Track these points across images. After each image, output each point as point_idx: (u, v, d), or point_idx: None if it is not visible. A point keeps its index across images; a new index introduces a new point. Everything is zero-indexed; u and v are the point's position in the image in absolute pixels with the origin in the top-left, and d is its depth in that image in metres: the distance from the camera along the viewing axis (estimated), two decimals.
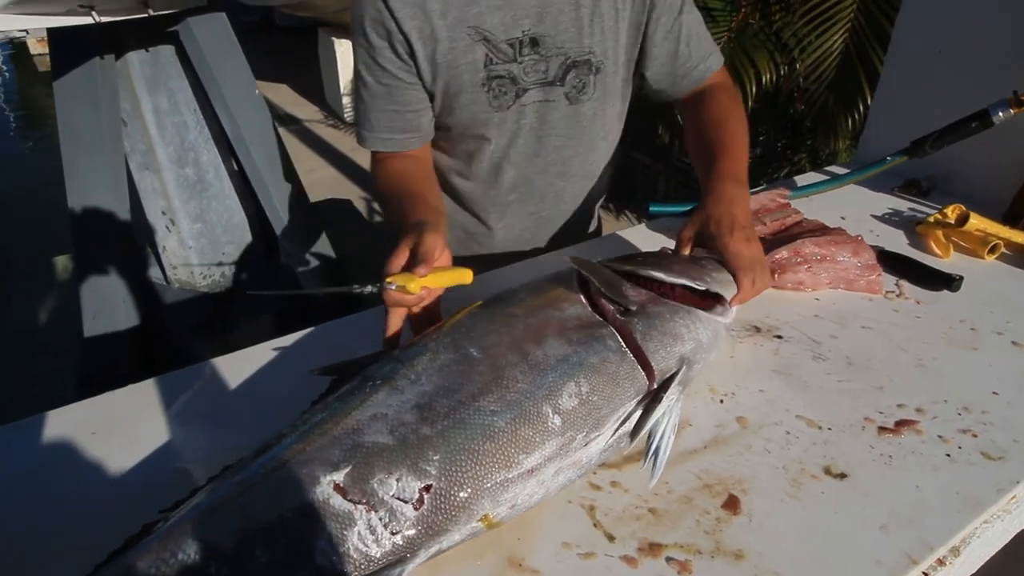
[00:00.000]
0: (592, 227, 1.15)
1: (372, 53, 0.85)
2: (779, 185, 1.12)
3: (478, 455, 0.51)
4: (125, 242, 1.87)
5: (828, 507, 0.57)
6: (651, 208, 1.09)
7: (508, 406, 0.54)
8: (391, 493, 0.49)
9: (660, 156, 2.95)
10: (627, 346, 0.60)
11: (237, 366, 0.75)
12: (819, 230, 0.95)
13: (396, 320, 0.67)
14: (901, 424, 0.66)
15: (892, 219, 1.07)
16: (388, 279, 0.62)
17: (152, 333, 1.81)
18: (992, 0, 1.02)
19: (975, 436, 0.65)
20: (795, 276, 0.86)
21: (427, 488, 0.50)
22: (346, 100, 4.74)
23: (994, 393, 0.70)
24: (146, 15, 1.62)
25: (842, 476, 0.60)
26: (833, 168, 1.25)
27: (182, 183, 1.95)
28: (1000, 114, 0.96)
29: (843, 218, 1.06)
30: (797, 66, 2.09)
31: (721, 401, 0.69)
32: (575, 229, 1.09)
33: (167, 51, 1.84)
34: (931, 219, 1.00)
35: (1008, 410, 0.68)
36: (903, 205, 1.11)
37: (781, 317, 0.82)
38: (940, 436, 0.65)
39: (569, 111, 0.92)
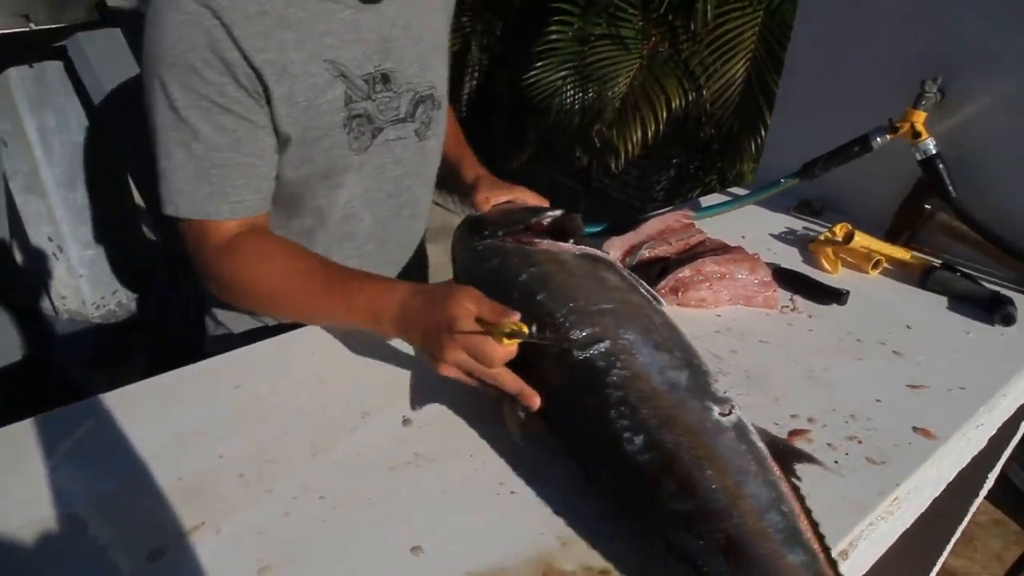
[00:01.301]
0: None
1: (207, 92, 0.69)
2: (684, 206, 1.16)
3: None
4: (4, 270, 1.73)
5: None
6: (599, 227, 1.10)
7: None
8: None
9: (580, 178, 3.02)
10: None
11: (132, 401, 0.70)
12: (720, 249, 1.00)
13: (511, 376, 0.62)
14: (793, 434, 0.69)
15: (788, 237, 1.13)
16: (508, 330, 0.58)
17: (39, 368, 1.68)
18: (872, 32, 1.10)
19: (860, 443, 0.68)
20: (697, 294, 0.90)
21: None
22: None
23: (877, 400, 0.74)
24: (27, 29, 1.52)
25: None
26: (735, 189, 1.31)
27: (71, 207, 1.82)
28: (878, 139, 1.04)
29: (743, 237, 1.12)
30: (704, 92, 2.20)
31: None
32: (424, 271, 1.09)
33: (54, 67, 1.73)
34: (822, 237, 1.06)
35: (890, 416, 0.72)
36: (798, 224, 1.18)
37: (686, 334, 0.84)
38: (829, 444, 0.68)
39: (418, 148, 0.89)
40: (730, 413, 0.59)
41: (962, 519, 1.23)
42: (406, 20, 0.82)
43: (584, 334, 0.63)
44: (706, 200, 1.26)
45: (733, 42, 2.10)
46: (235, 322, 0.96)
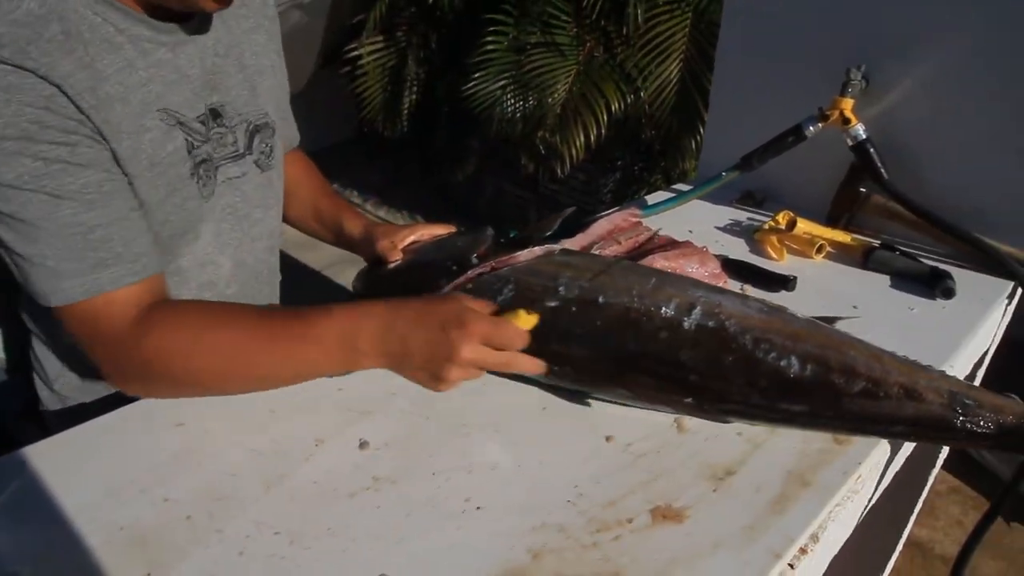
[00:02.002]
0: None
1: (55, 155, 0.58)
2: (631, 205, 1.17)
3: None
4: None
5: (706, 511, 0.58)
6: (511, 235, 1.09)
7: None
8: None
9: (527, 186, 3.02)
10: None
11: (66, 449, 0.65)
12: (669, 244, 1.00)
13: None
14: None
15: (733, 229, 1.15)
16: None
17: None
18: (796, 23, 1.14)
19: None
20: None
21: None
22: None
23: None
24: None
25: (729, 473, 0.63)
26: (679, 186, 1.32)
27: None
28: (811, 128, 1.06)
29: (691, 231, 1.13)
30: (642, 94, 2.24)
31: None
32: (283, 300, 1.01)
33: None
34: (766, 226, 1.08)
35: None
36: (742, 215, 1.20)
37: None
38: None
39: (263, 179, 0.83)
40: (795, 314, 0.70)
41: (922, 490, 1.26)
42: (225, 46, 0.75)
43: (674, 308, 0.67)
44: (652, 198, 1.27)
45: (665, 44, 2.15)
46: (75, 393, 0.84)
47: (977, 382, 1.12)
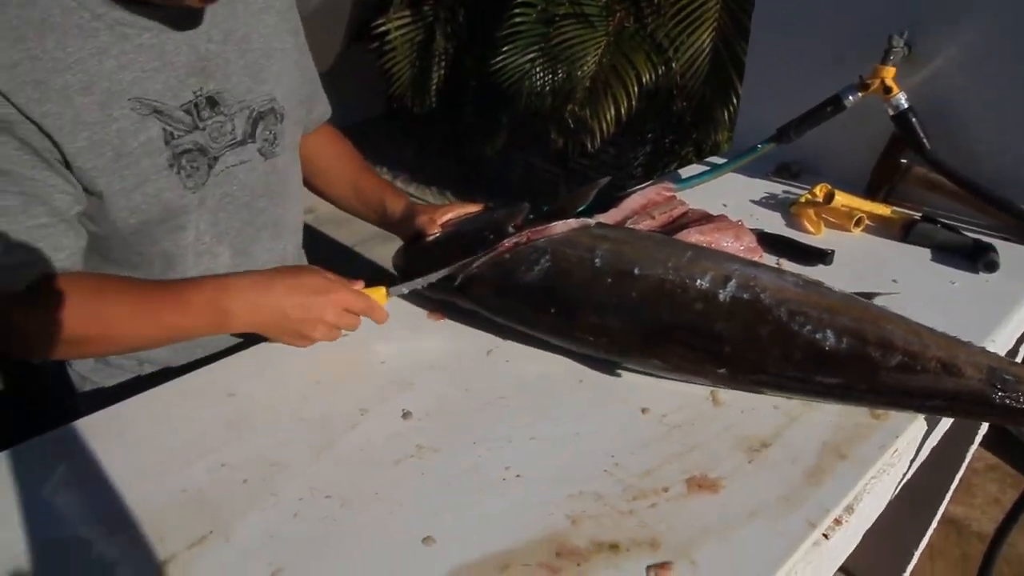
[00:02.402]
0: None
1: None
2: (664, 179, 1.16)
3: None
4: None
5: (741, 482, 0.60)
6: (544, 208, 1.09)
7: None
8: None
9: (557, 161, 3.01)
10: None
11: (125, 418, 0.68)
12: (704, 219, 0.99)
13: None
14: None
15: (769, 202, 1.13)
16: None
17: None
18: None
19: None
20: None
21: None
22: None
23: None
24: None
25: (764, 445, 0.64)
26: (713, 159, 1.31)
27: None
28: (850, 98, 1.04)
29: (725, 205, 1.12)
30: (673, 65, 2.19)
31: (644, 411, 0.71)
32: None
33: None
34: (802, 199, 1.06)
35: None
36: (778, 188, 1.18)
37: None
38: None
39: (267, 167, 0.81)
40: (832, 288, 0.70)
41: (959, 467, 1.25)
42: (224, 32, 0.73)
43: (709, 281, 0.68)
44: (685, 172, 1.26)
45: (697, 12, 2.10)
46: (101, 376, 0.86)
47: (1020, 357, 1.11)
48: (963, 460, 1.22)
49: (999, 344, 0.82)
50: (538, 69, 2.32)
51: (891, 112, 1.02)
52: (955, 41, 0.99)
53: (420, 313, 0.85)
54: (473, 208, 0.89)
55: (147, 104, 0.67)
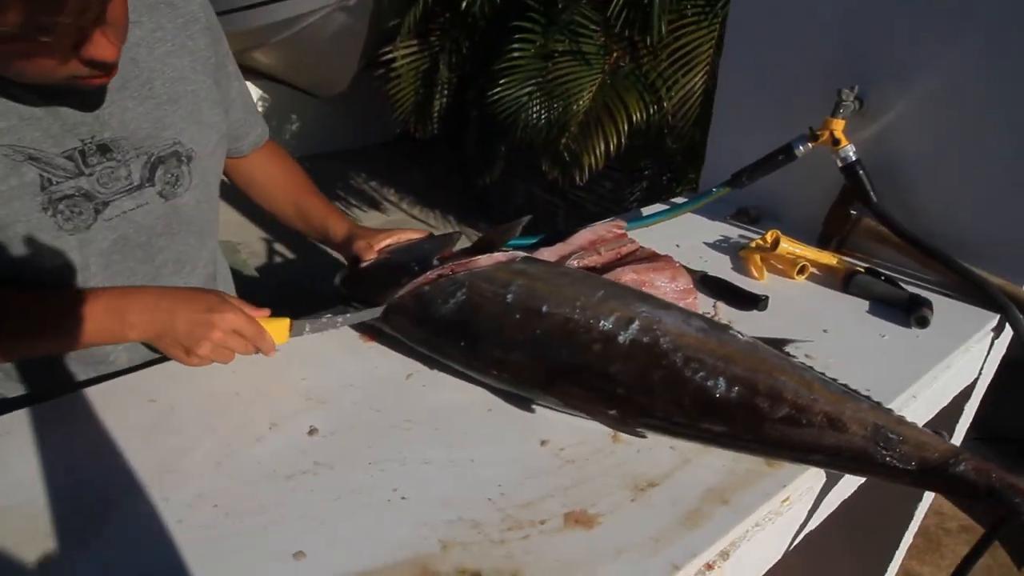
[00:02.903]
0: None
1: None
2: (618, 217, 1.18)
3: None
4: None
5: (618, 519, 0.60)
6: (511, 243, 1.11)
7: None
8: None
9: (556, 192, 3.05)
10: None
11: (49, 417, 0.71)
12: (649, 258, 1.01)
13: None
14: None
15: (721, 245, 1.15)
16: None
17: None
18: (793, 43, 1.13)
19: None
20: None
21: None
22: None
23: None
24: None
25: (651, 485, 0.64)
26: (677, 199, 1.33)
27: None
28: (801, 148, 1.06)
29: (678, 246, 1.13)
30: (665, 105, 2.23)
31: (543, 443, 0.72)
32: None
33: None
34: (753, 244, 1.08)
35: None
36: (734, 232, 1.20)
37: None
38: None
39: (168, 208, 0.81)
40: (741, 333, 0.72)
41: (908, 523, 1.23)
42: (122, 80, 0.73)
43: (612, 322, 0.69)
44: (647, 210, 1.28)
45: (692, 54, 2.14)
46: (4, 386, 0.85)
47: (967, 414, 1.10)
48: (912, 516, 1.20)
49: (920, 401, 0.82)
50: (535, 103, 2.37)
51: (839, 164, 1.03)
52: (905, 97, 1.01)
53: (353, 335, 0.87)
54: (413, 235, 0.91)
55: (21, 151, 0.68)
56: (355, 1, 3.29)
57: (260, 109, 4.64)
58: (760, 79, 1.20)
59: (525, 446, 0.69)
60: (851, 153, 1.02)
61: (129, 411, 0.73)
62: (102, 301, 0.71)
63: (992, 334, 0.96)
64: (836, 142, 1.02)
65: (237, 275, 2.21)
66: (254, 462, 0.67)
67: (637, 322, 0.69)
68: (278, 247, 3.38)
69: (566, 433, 0.71)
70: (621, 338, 0.68)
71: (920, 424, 0.88)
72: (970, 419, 1.11)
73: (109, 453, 0.67)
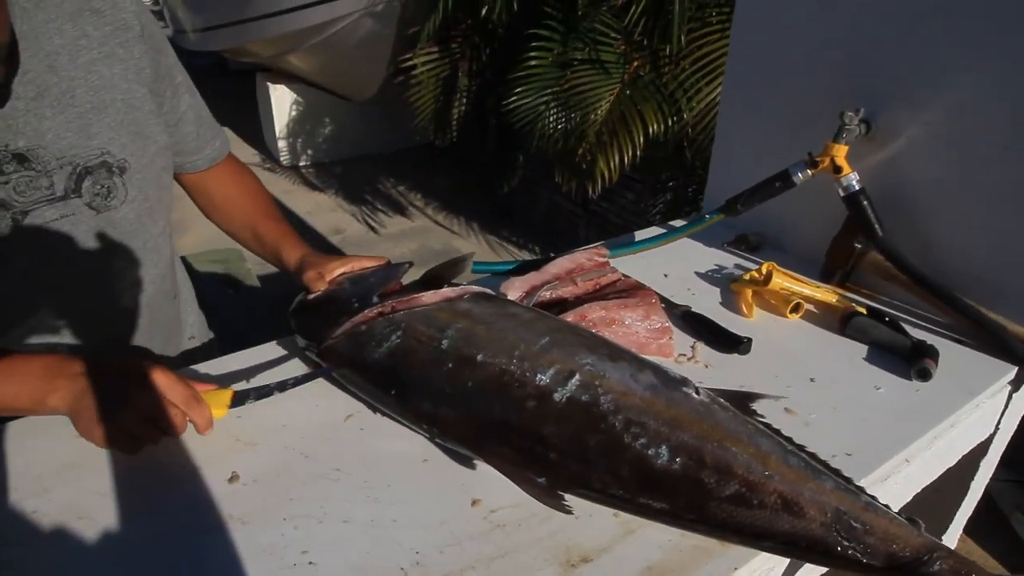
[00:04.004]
0: (192, 328, 1.02)
1: None
2: (601, 244, 1.12)
3: None
4: None
5: None
6: (474, 267, 1.07)
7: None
8: None
9: (579, 202, 2.98)
10: None
11: None
12: (630, 290, 0.95)
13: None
14: None
15: (714, 276, 1.07)
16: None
17: None
18: (796, 64, 1.04)
19: None
20: None
21: None
22: (281, 143, 4.72)
23: None
24: None
25: (584, 560, 0.58)
26: (675, 222, 1.25)
27: None
28: (799, 174, 0.97)
29: (666, 276, 1.06)
30: (684, 116, 2.14)
31: None
32: (179, 338, 0.98)
33: None
34: (746, 277, 1.00)
35: None
36: (730, 261, 1.12)
37: None
38: None
39: (101, 221, 0.78)
40: (698, 390, 0.64)
41: None
42: (37, 89, 0.71)
43: (550, 376, 0.63)
44: (642, 234, 1.20)
45: (713, 64, 2.04)
46: None
47: (984, 471, 0.99)
48: None
49: (916, 464, 0.74)
50: (552, 112, 2.31)
51: (841, 193, 0.95)
52: (915, 122, 0.92)
53: (299, 369, 0.83)
54: (368, 263, 0.87)
55: None
56: (382, 6, 3.30)
57: (295, 113, 4.77)
58: (762, 99, 1.11)
59: (455, 506, 0.64)
60: (854, 182, 0.93)
61: (56, 445, 0.70)
62: (39, 361, 0.67)
63: (1009, 387, 0.86)
64: (838, 169, 0.94)
65: (238, 285, 2.21)
66: (166, 511, 0.63)
67: (577, 376, 0.63)
68: None
69: (501, 493, 0.65)
70: (557, 395, 0.62)
71: (917, 489, 0.80)
72: (988, 475, 1.00)
73: (27, 491, 0.64)
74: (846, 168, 0.93)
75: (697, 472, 0.57)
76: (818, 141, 0.97)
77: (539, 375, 0.63)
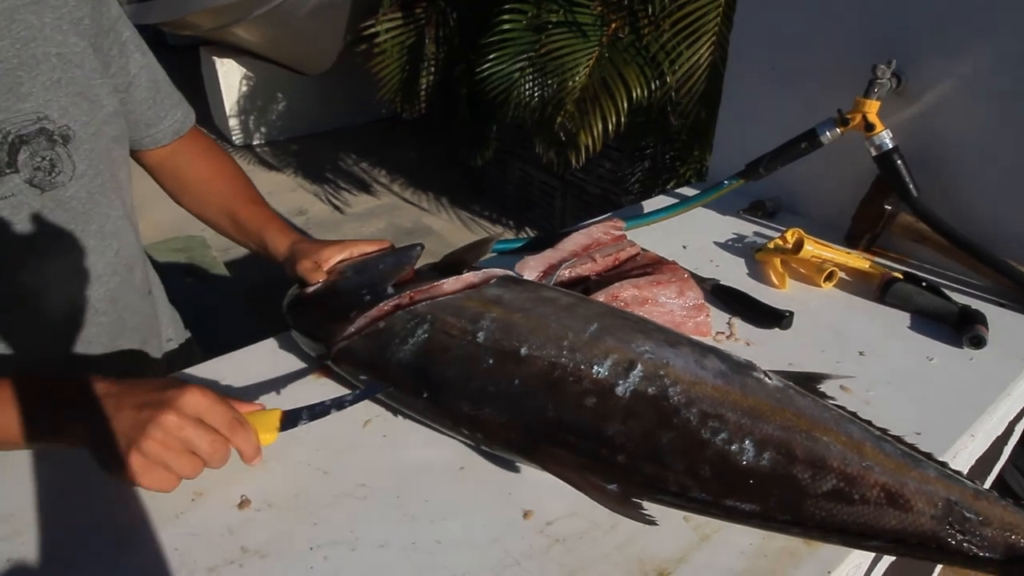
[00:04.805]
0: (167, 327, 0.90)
1: None
2: (615, 215, 1.04)
3: None
4: None
5: None
6: (495, 247, 0.98)
7: None
8: None
9: (554, 173, 2.89)
10: None
11: None
12: (653, 265, 0.88)
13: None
14: None
15: (735, 245, 1.01)
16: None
17: None
18: (821, 11, 0.97)
19: None
20: None
21: None
22: (232, 122, 4.47)
23: None
24: None
25: (662, 574, 0.51)
26: (684, 190, 1.19)
27: None
28: (827, 133, 0.91)
29: (684, 247, 1.00)
30: (668, 80, 2.06)
31: None
32: (152, 331, 0.86)
33: None
34: (770, 245, 0.94)
35: None
36: (748, 229, 1.06)
37: None
38: None
39: (47, 201, 0.66)
40: (767, 374, 0.57)
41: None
42: None
43: (608, 368, 0.56)
44: (649, 204, 1.13)
45: (696, 24, 1.96)
46: None
47: (1014, 442, 0.96)
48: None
49: (979, 440, 0.69)
50: (528, 79, 2.21)
51: (873, 152, 0.89)
52: (952, 74, 0.86)
53: (303, 370, 0.74)
54: (368, 247, 0.77)
55: None
56: None
57: (245, 89, 4.52)
58: (778, 54, 1.04)
59: (505, 519, 0.56)
60: (887, 140, 0.88)
61: (29, 477, 0.60)
62: (49, 382, 0.56)
63: None
64: (870, 127, 0.88)
65: (203, 274, 2.05)
66: (169, 548, 0.54)
67: (640, 366, 0.56)
68: None
69: (554, 501, 0.58)
70: (620, 389, 0.55)
71: (972, 463, 0.76)
72: (1017, 437, 0.98)
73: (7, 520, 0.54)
74: (879, 125, 0.87)
75: (789, 467, 0.51)
76: (839, 99, 0.91)
77: (595, 367, 0.56)
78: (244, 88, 4.32)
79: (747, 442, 0.51)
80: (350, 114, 4.61)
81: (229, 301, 1.89)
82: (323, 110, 4.51)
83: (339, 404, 0.61)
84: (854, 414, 0.57)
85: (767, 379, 0.57)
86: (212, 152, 0.87)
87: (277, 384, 0.71)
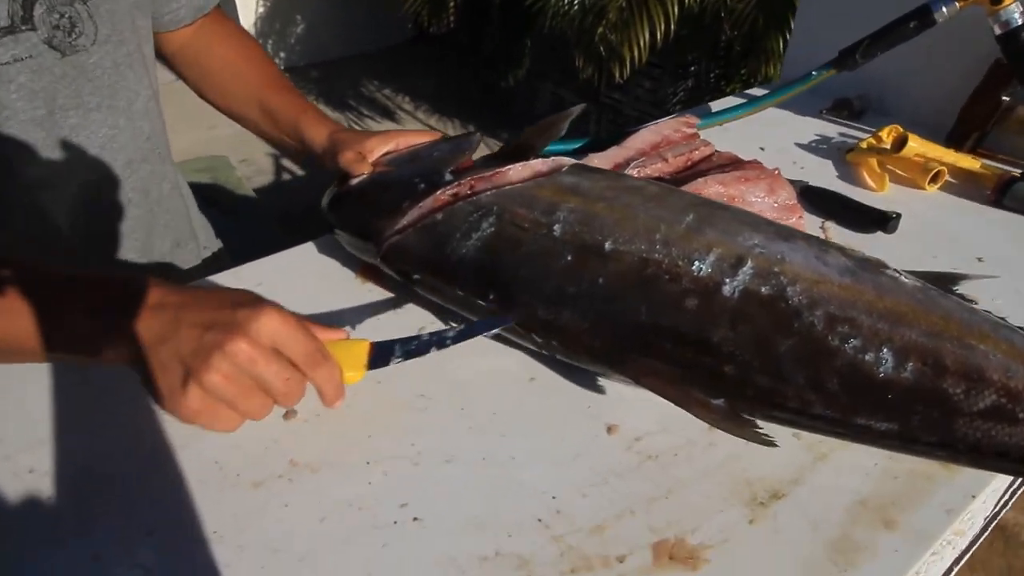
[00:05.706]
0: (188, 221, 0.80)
1: None
2: (688, 113, 0.93)
3: None
4: None
5: (735, 555, 0.41)
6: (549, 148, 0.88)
7: None
8: None
9: (587, 94, 2.73)
10: None
11: None
12: (730, 164, 0.77)
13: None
14: None
15: (819, 147, 0.90)
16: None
17: None
18: None
19: None
20: None
21: None
22: None
23: None
24: None
25: (775, 497, 0.44)
26: (755, 90, 1.06)
27: None
28: (944, 9, 0.78)
29: (763, 149, 0.89)
30: None
31: None
32: (185, 232, 0.78)
33: None
34: (864, 145, 0.83)
35: None
36: (832, 130, 0.94)
37: None
38: None
39: (69, 68, 0.57)
40: (902, 273, 0.49)
41: None
42: None
43: (712, 264, 0.47)
44: (718, 104, 1.02)
45: None
46: None
47: None
48: None
49: None
50: None
51: (998, 30, 0.76)
52: None
53: (346, 272, 0.66)
54: (417, 138, 0.68)
55: None
56: None
57: (262, 11, 4.33)
58: None
59: (586, 435, 0.49)
60: (1016, 15, 0.75)
61: (63, 391, 0.54)
62: (86, 288, 0.45)
63: None
64: (996, 0, 0.75)
65: (230, 199, 1.98)
66: (208, 461, 0.48)
67: (750, 262, 0.47)
68: (286, 163, 3.14)
69: (642, 416, 0.50)
70: (727, 288, 0.46)
71: None
72: None
73: (19, 448, 0.49)
74: None
75: (937, 380, 0.42)
76: None
77: (696, 263, 0.47)
78: (261, 9, 4.14)
79: (885, 350, 0.43)
80: (371, 39, 4.42)
81: (259, 223, 1.78)
82: (344, 32, 4.32)
83: (440, 342, 0.50)
84: (1010, 325, 0.48)
85: (903, 278, 0.48)
86: (238, 36, 0.78)
87: (320, 291, 0.64)
